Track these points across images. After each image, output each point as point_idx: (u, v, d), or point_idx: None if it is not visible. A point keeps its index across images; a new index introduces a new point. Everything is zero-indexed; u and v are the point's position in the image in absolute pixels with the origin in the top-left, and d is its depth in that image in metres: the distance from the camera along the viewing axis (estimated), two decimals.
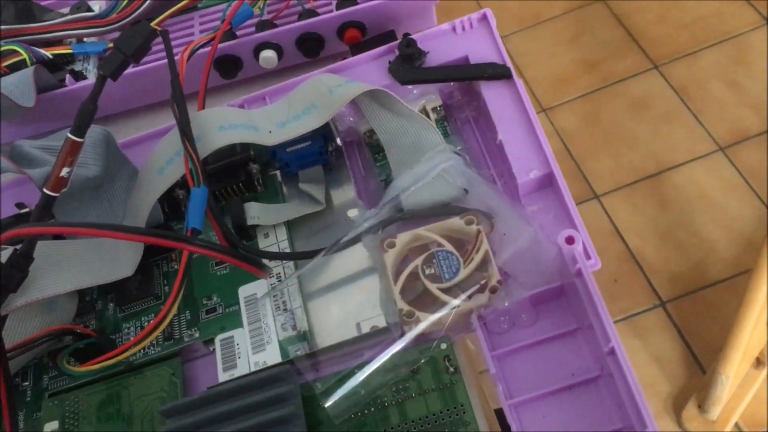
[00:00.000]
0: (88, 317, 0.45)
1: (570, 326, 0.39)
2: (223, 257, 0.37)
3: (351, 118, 0.47)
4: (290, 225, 0.46)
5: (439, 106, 0.47)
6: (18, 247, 0.41)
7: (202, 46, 0.48)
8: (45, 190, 0.40)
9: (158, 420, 0.40)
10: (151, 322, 0.39)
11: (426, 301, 0.40)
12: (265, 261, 0.44)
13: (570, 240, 0.39)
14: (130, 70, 0.51)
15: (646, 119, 1.29)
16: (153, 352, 0.43)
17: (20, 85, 0.50)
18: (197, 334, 0.43)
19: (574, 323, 0.39)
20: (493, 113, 0.44)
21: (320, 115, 0.44)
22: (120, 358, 0.39)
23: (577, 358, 0.38)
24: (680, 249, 1.14)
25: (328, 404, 0.37)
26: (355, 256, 0.43)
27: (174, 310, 0.38)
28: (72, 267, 0.43)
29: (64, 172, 0.40)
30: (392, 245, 0.42)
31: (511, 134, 0.43)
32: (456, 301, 0.39)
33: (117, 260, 0.44)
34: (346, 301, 0.43)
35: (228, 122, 0.43)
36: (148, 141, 0.49)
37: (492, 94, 0.45)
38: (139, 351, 0.43)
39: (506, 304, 0.39)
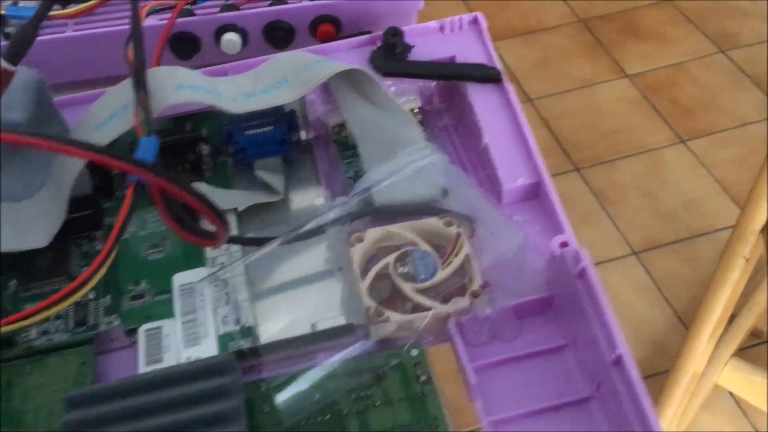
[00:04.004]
0: None
1: (557, 342, 0.34)
2: (183, 194, 0.30)
3: (321, 108, 0.43)
4: (240, 216, 0.40)
5: (418, 108, 0.43)
6: None
7: (160, 13, 0.43)
8: None
9: (57, 415, 0.32)
10: (65, 287, 0.31)
11: (396, 304, 0.35)
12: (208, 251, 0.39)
13: (565, 245, 0.35)
14: (76, 32, 0.45)
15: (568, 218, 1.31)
16: (59, 338, 0.35)
17: None
18: (117, 322, 0.36)
19: (562, 339, 0.35)
20: (480, 116, 0.41)
21: (292, 91, 0.39)
22: (22, 324, 0.31)
23: (565, 377, 0.33)
24: None
25: (279, 400, 0.31)
26: (312, 253, 0.38)
27: (104, 271, 0.31)
28: None
29: None
30: (360, 239, 0.37)
31: (498, 139, 0.40)
32: (433, 303, 0.34)
33: (28, 227, 0.37)
34: (300, 301, 0.37)
35: (188, 82, 0.38)
36: (90, 102, 0.42)
37: (479, 96, 0.41)
38: (43, 335, 0.35)
39: (488, 311, 0.35)
